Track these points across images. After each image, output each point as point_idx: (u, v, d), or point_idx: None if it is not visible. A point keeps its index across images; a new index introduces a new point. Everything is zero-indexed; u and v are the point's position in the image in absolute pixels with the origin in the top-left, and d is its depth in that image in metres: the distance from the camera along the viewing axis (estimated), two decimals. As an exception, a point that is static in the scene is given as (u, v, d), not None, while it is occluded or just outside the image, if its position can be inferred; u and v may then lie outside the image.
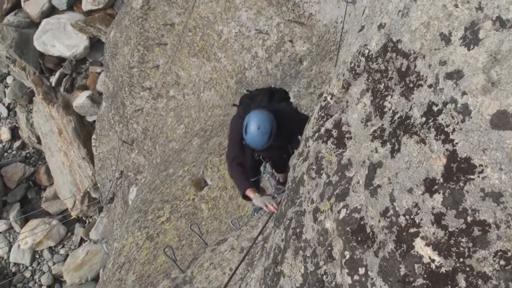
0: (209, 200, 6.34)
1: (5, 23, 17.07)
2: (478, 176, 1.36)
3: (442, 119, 1.50)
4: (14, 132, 18.37)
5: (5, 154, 17.95)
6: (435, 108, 1.53)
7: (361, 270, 1.69)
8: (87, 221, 16.49)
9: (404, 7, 1.69)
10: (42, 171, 17.38)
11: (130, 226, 6.88)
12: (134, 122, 9.99)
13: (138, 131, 9.97)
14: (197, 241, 5.60)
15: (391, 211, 1.61)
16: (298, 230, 2.16)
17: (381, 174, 1.70)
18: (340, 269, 1.79)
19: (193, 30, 8.94)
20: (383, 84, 1.83)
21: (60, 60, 16.91)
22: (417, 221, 1.51)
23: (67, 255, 15.87)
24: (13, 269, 16.21)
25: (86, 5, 16.49)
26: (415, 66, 1.64)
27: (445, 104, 1.49)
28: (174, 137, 9.16)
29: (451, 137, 1.45)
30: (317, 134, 2.24)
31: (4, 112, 18.61)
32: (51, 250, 16.22)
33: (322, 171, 2.09)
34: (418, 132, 1.58)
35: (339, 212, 1.86)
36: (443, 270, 1.43)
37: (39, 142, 17.45)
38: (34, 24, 17.23)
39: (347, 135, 2.02)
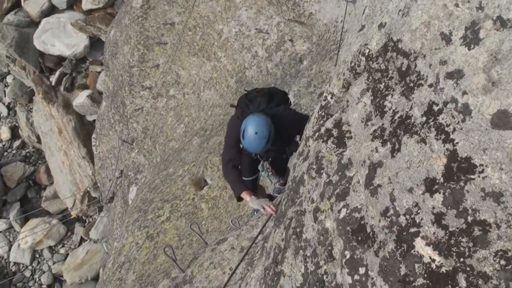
0: (209, 200, 6.34)
1: (5, 22, 17.08)
2: (479, 176, 1.36)
3: (442, 119, 1.49)
4: (14, 132, 18.38)
5: (5, 153, 17.96)
6: (435, 108, 1.53)
7: (362, 270, 1.69)
8: (87, 221, 16.50)
9: (405, 6, 1.69)
10: (42, 170, 17.39)
11: (130, 225, 6.89)
12: (134, 121, 9.99)
13: (138, 130, 9.97)
14: (197, 241, 5.61)
15: (392, 211, 1.60)
16: (298, 229, 2.16)
17: (382, 173, 1.70)
18: (340, 269, 1.79)
19: (193, 29, 8.93)
20: (383, 83, 1.83)
21: (60, 59, 16.92)
22: (417, 221, 1.51)
23: (67, 254, 15.88)
24: (13, 269, 16.22)
25: (86, 4, 16.50)
26: (416, 65, 1.64)
27: (445, 103, 1.49)
28: (174, 137, 9.16)
29: (451, 136, 1.45)
30: (317, 134, 2.24)
31: (4, 111, 18.62)
32: (51, 249, 16.23)
33: (322, 171, 2.09)
34: (419, 132, 1.58)
35: (339, 211, 1.86)
36: (443, 270, 1.42)
37: (39, 141, 17.46)
38: (34, 23, 17.25)
39: (347, 135, 2.02)
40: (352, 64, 1.98)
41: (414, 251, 1.50)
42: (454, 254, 1.40)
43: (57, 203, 16.50)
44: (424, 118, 1.57)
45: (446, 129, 1.47)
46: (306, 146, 2.35)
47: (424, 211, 1.49)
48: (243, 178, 3.76)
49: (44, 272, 16.00)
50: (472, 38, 1.43)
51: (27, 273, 16.06)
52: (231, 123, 3.56)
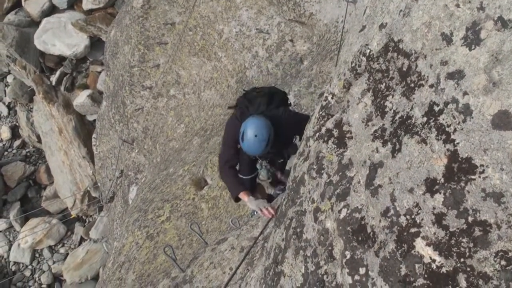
0: (209, 200, 6.34)
1: (6, 22, 17.08)
2: (479, 176, 1.36)
3: (443, 119, 1.49)
4: (15, 131, 18.38)
5: (5, 153, 17.95)
6: (436, 108, 1.53)
7: (362, 270, 1.69)
8: (87, 220, 16.49)
9: (406, 6, 1.69)
10: (42, 170, 17.39)
11: (130, 225, 6.89)
12: (135, 121, 9.99)
13: (138, 130, 9.97)
14: (197, 241, 5.60)
15: (392, 211, 1.60)
16: (298, 229, 2.16)
17: (382, 174, 1.70)
18: (340, 269, 1.79)
19: (193, 29, 8.93)
20: (384, 84, 1.83)
21: (61, 59, 16.91)
22: (418, 221, 1.51)
23: (67, 254, 15.87)
24: (13, 268, 16.22)
25: (87, 4, 16.50)
26: (416, 66, 1.64)
27: (446, 104, 1.49)
28: (174, 136, 9.16)
29: (452, 137, 1.45)
30: (317, 134, 2.24)
31: (5, 111, 18.62)
32: (51, 249, 16.22)
33: (322, 171, 2.09)
34: (419, 132, 1.58)
35: (339, 212, 1.86)
36: (443, 270, 1.42)
37: (39, 141, 17.45)
38: (34, 23, 17.24)
39: (348, 135, 2.02)
40: (353, 65, 1.98)
41: (415, 252, 1.50)
42: (455, 254, 1.40)
43: (57, 202, 16.50)
44: (425, 119, 1.57)
45: (447, 129, 1.47)
46: (307, 146, 2.35)
47: (425, 212, 1.49)
48: (242, 177, 3.76)
49: (44, 271, 15.99)
50: (473, 39, 1.43)
51: (27, 273, 16.06)
52: (229, 123, 3.54)
